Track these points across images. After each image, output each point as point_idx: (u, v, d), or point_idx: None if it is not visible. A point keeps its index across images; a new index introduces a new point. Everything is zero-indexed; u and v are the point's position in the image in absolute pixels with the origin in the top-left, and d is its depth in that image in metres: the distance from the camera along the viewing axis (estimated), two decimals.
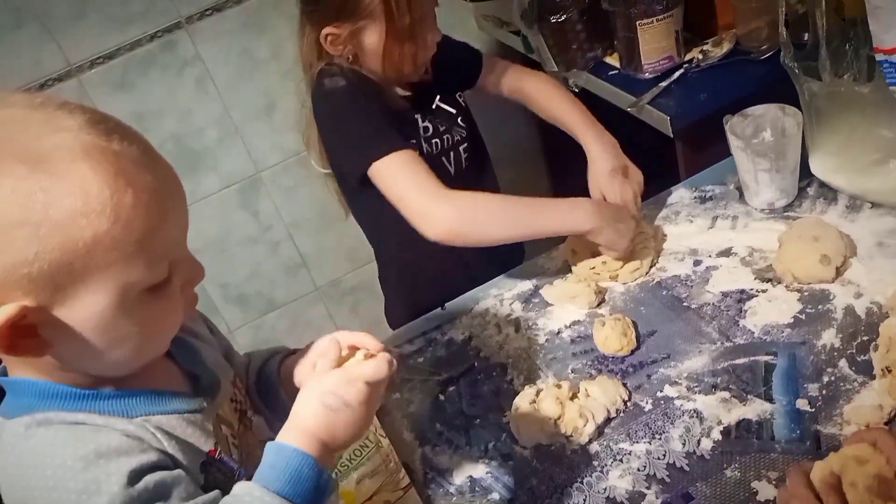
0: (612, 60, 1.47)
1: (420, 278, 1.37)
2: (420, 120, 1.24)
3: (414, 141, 1.22)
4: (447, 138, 1.26)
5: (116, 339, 0.57)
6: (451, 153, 1.27)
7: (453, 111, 1.29)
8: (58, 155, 0.51)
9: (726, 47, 1.38)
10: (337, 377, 0.63)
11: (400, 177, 1.10)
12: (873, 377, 0.86)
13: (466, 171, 1.30)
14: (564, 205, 1.09)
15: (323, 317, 2.19)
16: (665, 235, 1.17)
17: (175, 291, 0.60)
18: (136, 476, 0.55)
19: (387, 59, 1.16)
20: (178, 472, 0.58)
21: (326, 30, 1.15)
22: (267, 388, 0.79)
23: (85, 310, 0.54)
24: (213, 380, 0.69)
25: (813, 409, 0.85)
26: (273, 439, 0.61)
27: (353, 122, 1.15)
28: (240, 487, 0.59)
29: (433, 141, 1.24)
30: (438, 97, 1.27)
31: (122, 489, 0.53)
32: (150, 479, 0.55)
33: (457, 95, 1.32)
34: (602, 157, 1.23)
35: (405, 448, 0.99)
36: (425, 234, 1.08)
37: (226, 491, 0.59)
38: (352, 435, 0.63)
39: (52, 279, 0.51)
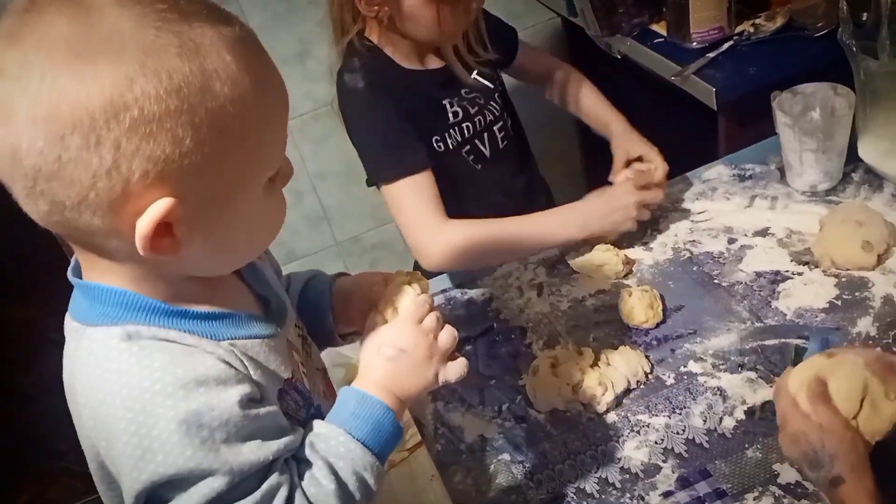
0: (659, 28, 1.42)
1: None
2: (449, 106, 1.19)
3: (437, 138, 1.18)
4: (479, 120, 1.21)
5: (242, 234, 0.56)
6: (486, 134, 1.22)
7: (490, 86, 1.24)
8: (202, 43, 0.49)
9: (780, 22, 1.33)
10: (387, 328, 0.65)
11: (403, 207, 1.13)
12: None
13: (504, 150, 1.26)
14: (555, 222, 1.12)
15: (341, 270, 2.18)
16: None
17: (279, 183, 0.59)
18: (245, 403, 0.53)
19: (425, 19, 1.09)
20: (270, 408, 0.56)
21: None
22: (310, 310, 0.77)
23: (226, 203, 0.53)
24: (281, 303, 0.67)
25: None
26: None
27: (368, 132, 1.15)
28: (325, 428, 0.59)
29: (464, 125, 1.20)
30: (476, 71, 1.23)
31: (236, 413, 0.52)
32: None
33: (498, 75, 1.27)
34: (628, 132, 1.21)
35: (416, 402, 0.97)
36: (421, 265, 1.14)
37: (296, 420, 0.60)
38: (417, 382, 0.64)
39: (203, 173, 0.50)
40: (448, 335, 0.66)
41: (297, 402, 0.62)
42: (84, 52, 0.46)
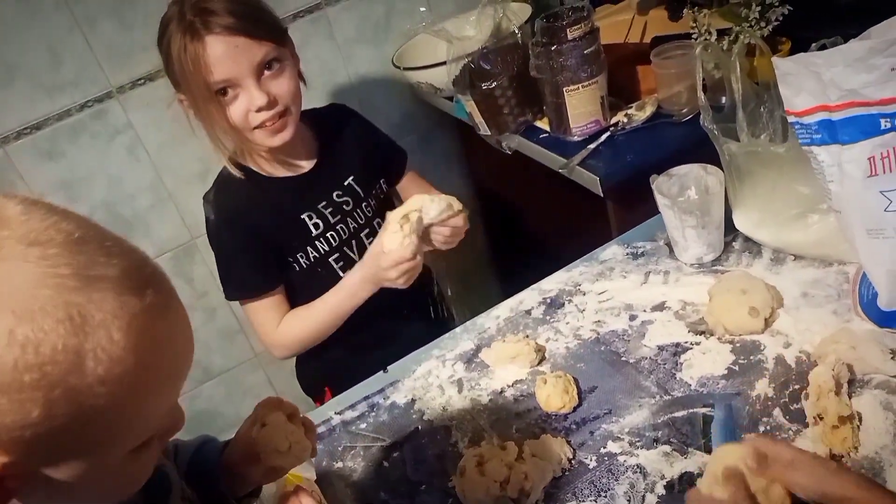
0: (542, 124, 1.52)
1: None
2: (308, 219, 1.26)
3: (300, 254, 1.29)
4: (342, 228, 1.28)
5: (89, 494, 0.53)
6: (354, 242, 1.30)
7: (361, 194, 1.30)
8: (92, 317, 0.46)
9: (649, 111, 1.45)
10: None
11: (251, 319, 1.35)
12: (806, 425, 0.88)
13: None
14: (348, 288, 1.26)
15: (262, 383, 2.14)
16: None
17: (155, 443, 0.56)
18: None
19: (208, 127, 1.21)
20: None
21: (178, 95, 1.20)
22: (201, 478, 0.76)
23: (68, 470, 0.49)
24: (162, 476, 0.66)
25: None
26: None
27: (220, 258, 1.32)
28: None
29: (328, 235, 1.27)
30: (352, 177, 1.30)
31: None
32: None
33: (378, 184, 1.33)
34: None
35: None
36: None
37: None
38: None
39: (46, 443, 0.46)
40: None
41: None
42: None
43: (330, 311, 1.26)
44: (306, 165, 1.27)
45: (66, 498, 0.52)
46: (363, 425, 1.10)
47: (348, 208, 1.27)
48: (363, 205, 1.29)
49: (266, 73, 1.17)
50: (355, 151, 1.31)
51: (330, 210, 1.25)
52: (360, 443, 1.07)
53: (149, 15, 1.69)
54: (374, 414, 1.12)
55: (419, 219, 1.16)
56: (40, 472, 0.48)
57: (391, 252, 1.16)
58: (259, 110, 1.17)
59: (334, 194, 1.25)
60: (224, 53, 1.12)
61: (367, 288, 1.22)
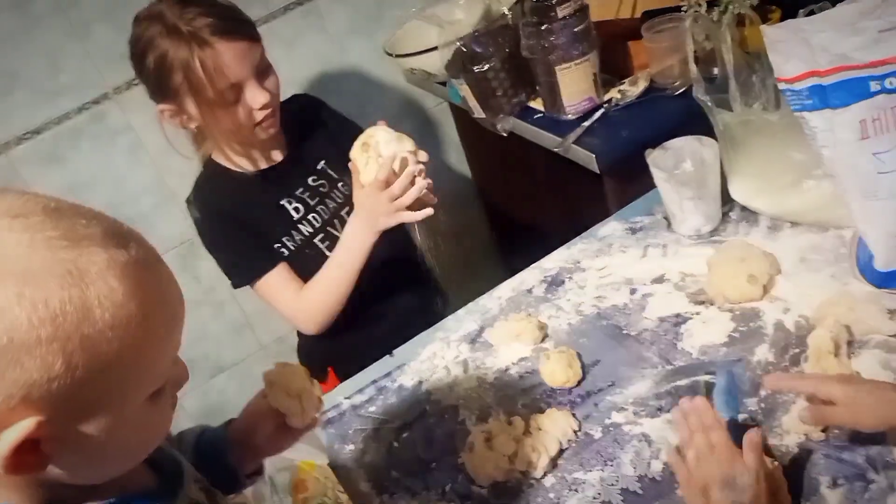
0: (536, 105, 1.53)
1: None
2: (288, 204, 1.28)
3: (286, 238, 1.29)
4: (322, 209, 1.30)
5: (118, 448, 0.55)
6: (336, 220, 1.32)
7: (335, 175, 1.32)
8: (88, 270, 0.49)
9: (642, 86, 1.45)
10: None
11: (271, 298, 1.33)
12: None
13: None
14: (349, 240, 1.24)
15: None
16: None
17: (167, 395, 0.59)
18: None
19: (211, 130, 1.21)
20: None
21: (159, 106, 1.20)
22: (208, 462, 0.78)
23: (97, 425, 0.52)
24: (175, 463, 0.68)
25: (754, 423, 0.88)
26: None
27: (217, 251, 1.33)
28: None
29: (310, 217, 1.29)
30: (324, 161, 1.32)
31: None
32: None
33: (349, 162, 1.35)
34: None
35: (363, 499, 0.98)
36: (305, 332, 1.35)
37: None
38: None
39: (72, 396, 0.49)
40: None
41: None
42: None
43: (338, 267, 1.25)
44: (278, 157, 1.30)
45: (98, 457, 0.55)
46: (372, 408, 1.12)
47: (325, 190, 1.30)
48: (339, 185, 1.33)
49: (261, 71, 1.20)
50: (324, 137, 1.35)
51: (308, 194, 1.29)
52: (371, 425, 1.09)
53: None
54: (382, 397, 1.13)
55: (376, 142, 1.16)
56: (72, 431, 0.51)
57: (372, 182, 1.15)
58: (262, 108, 1.20)
59: (309, 179, 1.29)
60: (234, 57, 1.15)
61: (368, 235, 1.21)
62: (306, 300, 1.28)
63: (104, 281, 0.50)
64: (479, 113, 1.55)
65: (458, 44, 1.51)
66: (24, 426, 0.48)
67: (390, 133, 1.16)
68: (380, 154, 1.15)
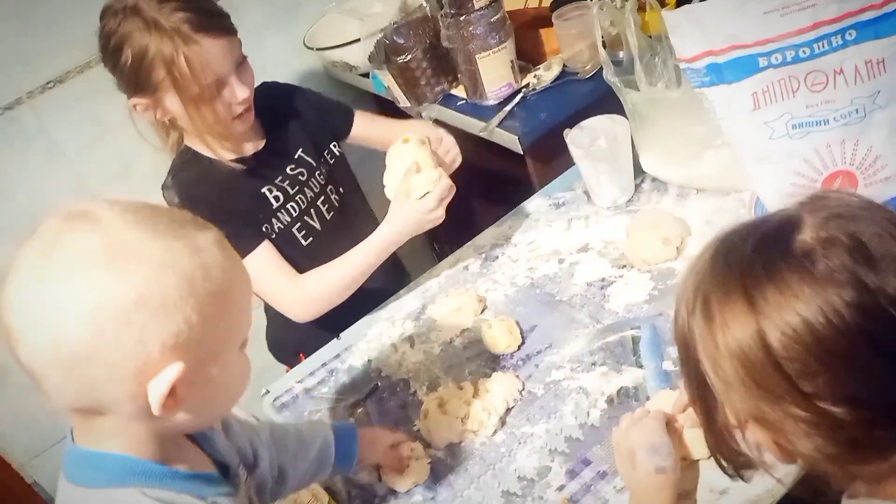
0: (459, 92, 1.60)
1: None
2: (269, 192, 1.27)
3: (266, 226, 1.27)
4: (301, 199, 1.30)
5: (225, 390, 0.67)
6: (313, 210, 1.32)
7: (313, 163, 1.34)
8: (201, 245, 0.62)
9: (556, 70, 1.54)
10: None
11: (257, 279, 1.17)
12: None
13: (333, 222, 1.34)
14: (378, 246, 1.22)
15: None
16: None
17: (246, 345, 0.69)
18: None
19: (193, 125, 1.19)
20: None
21: (132, 100, 1.17)
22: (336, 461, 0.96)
23: (217, 366, 0.63)
24: (233, 463, 0.76)
25: (677, 367, 0.98)
26: None
27: None
28: None
29: (288, 206, 1.28)
30: (301, 149, 1.33)
31: None
32: None
33: (328, 148, 1.37)
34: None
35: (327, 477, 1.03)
36: (294, 320, 1.26)
37: None
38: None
39: (202, 340, 0.60)
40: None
41: None
42: (116, 258, 0.58)
43: (354, 267, 1.23)
44: (258, 146, 1.29)
45: (215, 398, 0.67)
46: (325, 389, 1.17)
47: (304, 178, 1.29)
48: (316, 174, 1.32)
49: (239, 65, 1.20)
50: (298, 124, 1.33)
51: (287, 182, 1.27)
52: (325, 405, 1.14)
53: (53, 19, 1.68)
54: (333, 378, 1.19)
55: (415, 162, 1.19)
56: (201, 374, 0.62)
57: (430, 194, 1.17)
58: (241, 101, 1.20)
59: (287, 168, 1.27)
60: (218, 54, 1.14)
61: (400, 241, 1.23)
62: (303, 289, 1.24)
63: (210, 252, 0.63)
64: (404, 102, 1.61)
65: (379, 35, 1.56)
66: (174, 369, 0.59)
67: (420, 148, 1.20)
68: (420, 169, 1.18)
